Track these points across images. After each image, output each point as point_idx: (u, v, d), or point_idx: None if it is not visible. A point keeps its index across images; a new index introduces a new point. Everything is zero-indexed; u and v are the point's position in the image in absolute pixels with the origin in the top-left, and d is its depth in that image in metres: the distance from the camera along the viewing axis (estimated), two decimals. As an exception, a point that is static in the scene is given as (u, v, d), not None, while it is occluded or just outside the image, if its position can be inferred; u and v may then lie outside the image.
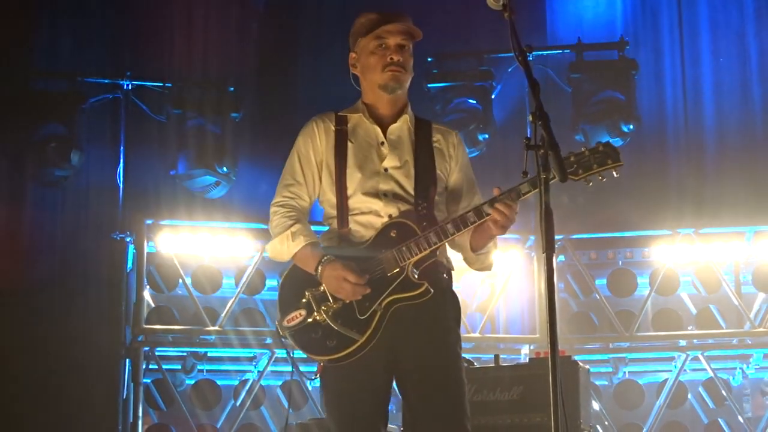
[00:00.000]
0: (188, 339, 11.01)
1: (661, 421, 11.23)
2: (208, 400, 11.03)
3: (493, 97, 12.00)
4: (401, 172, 5.39)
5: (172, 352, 11.09)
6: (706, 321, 11.45)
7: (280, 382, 11.31)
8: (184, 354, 11.10)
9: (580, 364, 8.39)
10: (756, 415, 11.40)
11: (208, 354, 11.15)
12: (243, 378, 11.27)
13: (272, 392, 11.30)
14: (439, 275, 5.36)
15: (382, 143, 5.43)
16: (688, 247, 11.22)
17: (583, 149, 5.24)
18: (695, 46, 12.75)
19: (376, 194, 5.32)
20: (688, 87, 12.68)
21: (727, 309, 11.51)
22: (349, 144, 5.41)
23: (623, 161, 5.20)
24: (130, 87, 11.69)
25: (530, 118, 4.56)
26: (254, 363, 11.20)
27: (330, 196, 5.40)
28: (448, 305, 5.39)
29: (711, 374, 11.22)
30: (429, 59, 12.05)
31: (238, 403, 11.09)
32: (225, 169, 11.68)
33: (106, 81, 11.73)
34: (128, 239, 10.88)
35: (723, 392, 11.20)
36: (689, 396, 11.44)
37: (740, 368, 11.47)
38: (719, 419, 11.37)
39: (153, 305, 11.12)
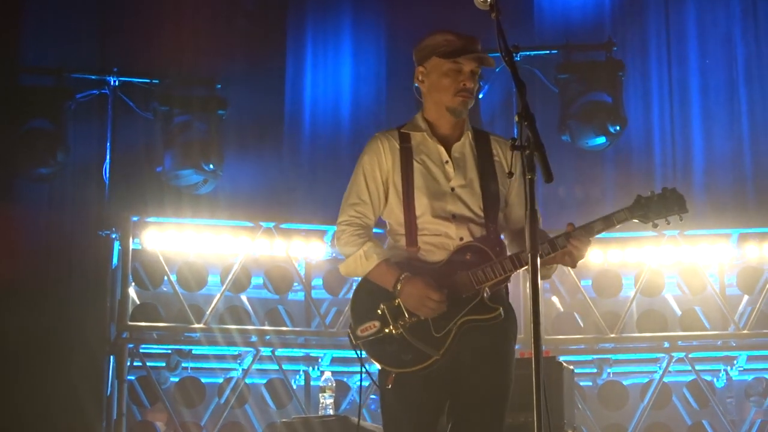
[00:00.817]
0: (173, 336, 11.00)
1: (645, 422, 11.24)
2: (193, 397, 11.02)
3: (480, 97, 12.00)
4: (467, 191, 5.44)
5: (156, 349, 11.08)
6: (690, 322, 11.47)
7: (264, 381, 11.31)
8: (169, 351, 11.09)
9: (564, 364, 8.41)
10: (740, 417, 11.43)
11: (193, 351, 11.13)
12: (228, 376, 11.26)
13: (257, 390, 11.29)
14: (505, 296, 5.47)
15: (447, 162, 5.46)
16: (673, 248, 11.24)
17: (651, 193, 5.45)
18: (682, 47, 12.78)
19: (446, 216, 5.38)
20: (675, 88, 12.70)
21: (712, 311, 11.53)
22: (415, 164, 5.44)
23: (687, 210, 5.47)
24: (117, 83, 11.67)
25: (516, 118, 4.59)
26: (239, 361, 11.19)
27: (398, 215, 5.44)
28: (511, 325, 5.47)
29: (695, 376, 11.24)
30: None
31: (222, 401, 11.08)
32: (211, 166, 11.67)
33: (93, 77, 11.70)
34: (114, 236, 10.86)
35: (707, 394, 11.22)
36: (673, 397, 11.46)
37: (724, 370, 11.50)
38: (703, 421, 11.39)
39: (138, 302, 11.10)
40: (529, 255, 4.45)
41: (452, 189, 5.42)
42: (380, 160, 5.45)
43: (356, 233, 5.41)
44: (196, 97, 11.82)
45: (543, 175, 4.52)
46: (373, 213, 5.47)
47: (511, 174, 5.25)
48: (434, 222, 5.37)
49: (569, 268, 5.44)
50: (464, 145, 5.51)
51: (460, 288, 5.28)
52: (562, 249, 5.31)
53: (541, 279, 5.54)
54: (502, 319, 5.36)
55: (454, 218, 5.37)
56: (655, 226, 5.43)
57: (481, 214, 5.40)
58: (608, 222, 5.37)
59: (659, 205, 5.40)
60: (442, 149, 5.47)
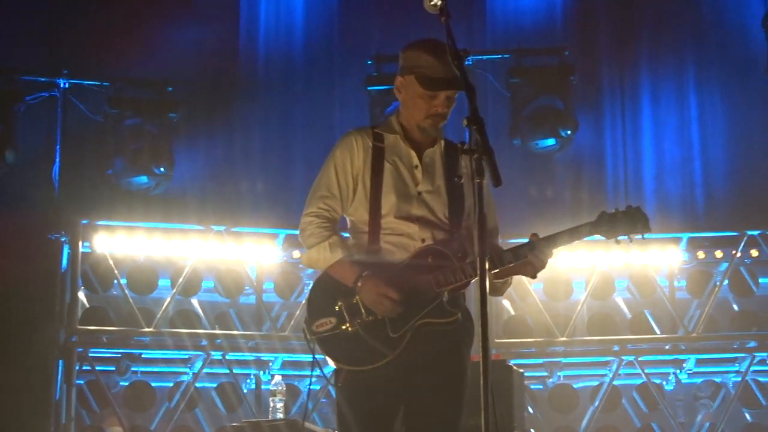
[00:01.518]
0: (123, 340, 10.93)
1: (595, 425, 11.31)
2: (142, 402, 10.96)
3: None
4: (434, 196, 5.44)
5: (106, 353, 11.00)
6: (640, 326, 11.54)
7: (215, 385, 11.26)
8: (119, 355, 11.01)
9: (515, 367, 8.44)
10: (689, 420, 11.51)
11: (143, 355, 11.07)
12: (178, 380, 11.20)
13: (207, 394, 11.25)
14: (462, 300, 5.46)
15: (417, 166, 5.47)
16: (623, 252, 11.30)
17: (616, 210, 5.44)
18: (631, 50, 12.87)
19: (410, 218, 5.38)
20: (626, 93, 12.79)
21: (662, 314, 11.60)
22: (386, 164, 5.44)
23: (651, 228, 5.47)
24: (67, 86, 11.58)
25: (465, 122, 4.59)
26: (189, 365, 11.14)
27: (362, 213, 5.44)
28: (467, 330, 5.46)
29: (645, 379, 11.31)
30: (368, 62, 12.07)
31: (172, 406, 11.03)
32: (162, 169, 11.63)
33: (43, 79, 11.61)
34: (63, 239, 10.78)
35: (656, 397, 11.29)
36: (623, 400, 11.52)
37: (674, 373, 11.57)
38: (652, 423, 11.47)
39: (88, 306, 11.03)
40: (477, 257, 4.46)
41: (419, 193, 5.43)
42: (353, 156, 5.45)
43: (323, 225, 5.40)
44: (147, 100, 11.77)
45: (491, 179, 4.53)
46: (340, 207, 5.46)
47: (460, 177, 5.28)
48: (398, 222, 5.37)
49: (530, 277, 5.47)
50: (435, 152, 5.52)
51: (420, 290, 5.27)
52: (524, 259, 5.33)
53: (496, 294, 5.58)
54: (459, 324, 5.36)
55: (418, 221, 5.38)
56: (618, 242, 5.46)
57: (446, 220, 5.41)
58: (573, 235, 5.41)
59: (624, 223, 5.42)
60: (413, 153, 5.48)
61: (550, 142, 11.81)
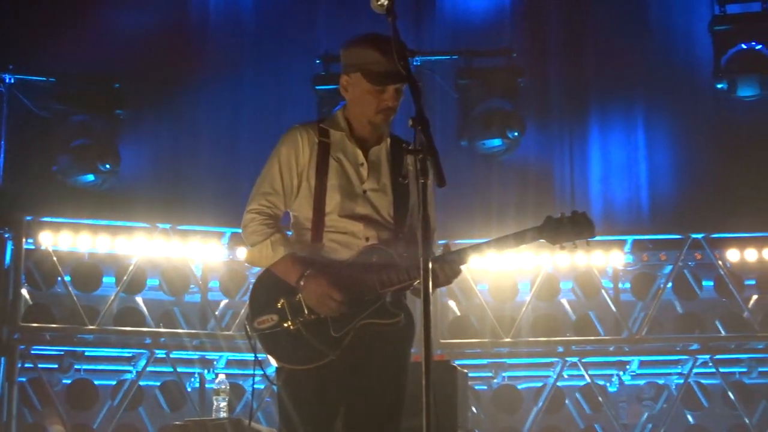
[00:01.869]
0: (66, 338, 10.85)
1: (539, 426, 11.36)
2: (85, 400, 10.89)
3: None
4: (379, 195, 5.40)
5: (49, 350, 10.91)
6: (584, 327, 11.61)
7: (159, 383, 11.20)
8: (62, 353, 10.93)
9: (459, 368, 8.45)
10: (631, 422, 11.59)
11: (86, 353, 11.00)
12: (121, 378, 11.13)
13: (150, 393, 11.19)
14: (405, 301, 5.43)
15: (362, 164, 5.42)
16: (568, 254, 11.35)
17: (561, 215, 5.37)
18: (579, 53, 12.93)
19: (354, 216, 5.33)
20: (574, 95, 12.85)
21: (606, 316, 11.67)
22: (331, 161, 5.38)
23: (596, 234, 5.40)
24: (12, 81, 11.48)
25: (411, 122, 4.58)
26: (133, 363, 11.07)
27: (306, 210, 5.38)
28: (409, 332, 5.43)
29: (588, 380, 11.37)
30: (317, 60, 12.06)
31: (115, 404, 10.95)
32: (108, 166, 11.57)
33: (-12, 74, 11.52)
34: (6, 235, 10.68)
35: (599, 398, 11.35)
36: (567, 401, 11.58)
37: (617, 375, 11.65)
38: (595, 425, 11.54)
39: (31, 303, 10.93)
40: (421, 258, 4.46)
41: (364, 191, 5.39)
42: (297, 153, 5.39)
43: (265, 222, 5.35)
44: (93, 96, 11.68)
45: (435, 180, 4.52)
46: (284, 204, 5.41)
47: (404, 177, 5.27)
48: (342, 221, 5.33)
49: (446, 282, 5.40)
50: (381, 150, 5.48)
51: (363, 290, 5.24)
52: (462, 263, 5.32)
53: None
54: (401, 325, 5.35)
55: (362, 219, 5.34)
56: (563, 248, 5.44)
57: (390, 219, 5.38)
58: (518, 240, 5.34)
59: (569, 229, 5.33)
60: (359, 151, 5.43)
61: (497, 142, 11.86)
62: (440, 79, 12.18)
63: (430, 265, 4.53)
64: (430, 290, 4.47)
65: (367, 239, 5.31)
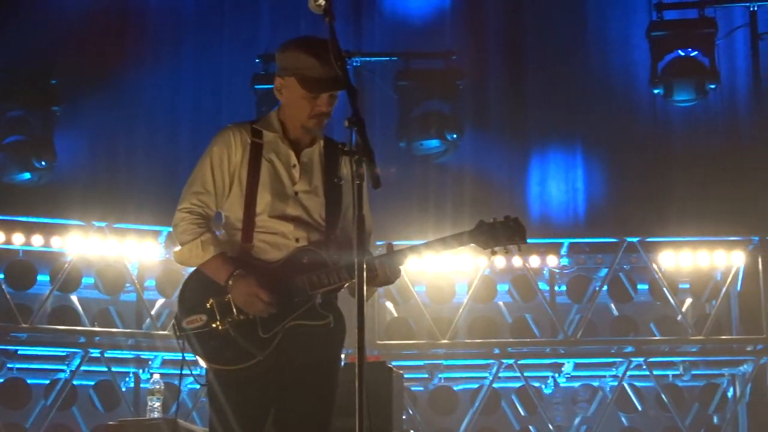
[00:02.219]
0: (-1, 336, 10.76)
1: (474, 427, 11.40)
2: (18, 399, 10.79)
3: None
4: (311, 197, 5.37)
5: (-20, 350, 10.82)
6: (520, 330, 11.67)
7: (93, 382, 11.12)
8: (-6, 352, 10.84)
9: (394, 369, 8.45)
10: (565, 424, 11.66)
11: (19, 352, 10.90)
12: (55, 377, 11.04)
13: (85, 392, 11.11)
14: (335, 302, 5.40)
15: (294, 166, 5.39)
16: (504, 258, 11.41)
17: (493, 220, 5.37)
18: (519, 55, 13.00)
19: (285, 217, 5.30)
20: (512, 97, 12.91)
21: (542, 318, 11.74)
22: (263, 162, 5.34)
23: (527, 239, 5.42)
24: (-55, 76, 11.38)
25: (346, 123, 4.57)
26: (67, 362, 10.98)
27: (237, 210, 5.35)
28: (339, 333, 5.41)
29: (524, 382, 11.43)
30: (257, 60, 12.03)
31: (48, 403, 10.86)
32: (43, 163, 11.46)
33: None
34: (-62, 233, 10.58)
35: (534, 400, 11.42)
36: (502, 403, 11.63)
37: (552, 377, 11.72)
38: (530, 426, 11.61)
39: (-37, 301, 10.82)
40: (355, 260, 4.46)
41: (296, 193, 5.37)
42: (230, 152, 5.36)
43: (196, 222, 5.31)
44: (28, 91, 11.57)
45: (371, 181, 4.53)
46: (215, 203, 5.37)
47: (340, 179, 5.26)
48: (272, 221, 5.30)
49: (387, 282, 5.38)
50: (314, 152, 5.45)
51: (293, 291, 5.22)
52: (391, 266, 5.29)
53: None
54: (332, 327, 5.34)
55: (293, 220, 5.31)
56: (494, 253, 5.45)
57: (322, 221, 5.36)
58: (450, 244, 5.34)
59: (501, 233, 5.35)
60: (291, 153, 5.40)
61: (435, 144, 11.88)
62: (380, 80, 12.19)
63: (370, 265, 4.53)
64: (365, 291, 4.46)
65: (297, 240, 5.30)
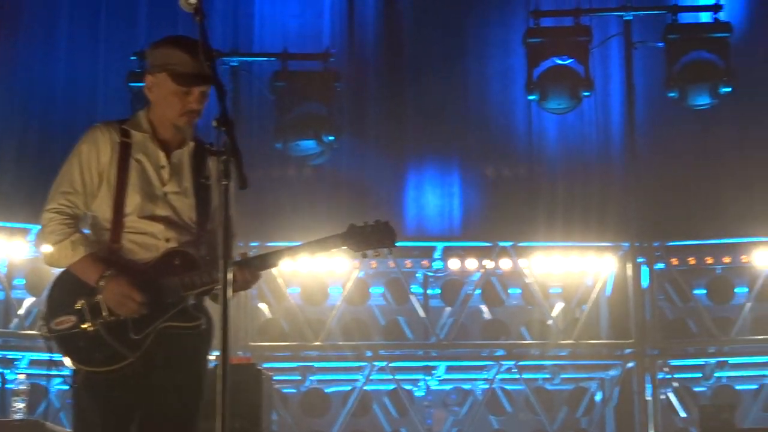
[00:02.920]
0: None
1: (346, 430, 11.42)
2: None
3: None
4: (180, 198, 5.30)
5: None
6: (393, 332, 11.72)
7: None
8: None
9: (264, 371, 8.44)
10: (437, 427, 11.73)
11: None
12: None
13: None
14: (205, 304, 5.33)
15: (164, 167, 5.31)
16: (380, 260, 11.43)
17: (364, 223, 5.37)
18: (401, 57, 13.04)
19: (154, 218, 5.23)
20: (389, 101, 12.94)
21: (415, 321, 11.80)
22: (132, 162, 5.25)
23: (395, 245, 5.39)
24: None
25: (214, 123, 4.54)
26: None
27: (105, 210, 5.25)
28: (211, 335, 5.32)
29: (396, 385, 11.48)
30: (132, 57, 11.88)
31: None
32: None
33: None
34: None
35: (406, 403, 11.48)
36: (374, 405, 11.66)
37: (424, 380, 11.78)
38: (401, 429, 11.68)
39: None
40: (221, 261, 4.43)
41: (165, 194, 5.30)
42: (98, 152, 5.27)
43: (65, 222, 5.21)
44: None
45: (237, 182, 4.51)
46: (84, 204, 5.26)
47: (207, 178, 5.23)
48: (141, 222, 5.23)
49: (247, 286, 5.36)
50: (184, 153, 5.38)
51: (165, 292, 5.16)
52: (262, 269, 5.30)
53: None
54: (203, 329, 5.30)
55: (162, 221, 5.25)
56: (365, 256, 5.46)
57: (192, 222, 5.30)
58: (321, 247, 5.36)
59: (371, 237, 5.37)
60: (161, 153, 5.33)
61: (311, 144, 11.84)
62: (257, 80, 12.13)
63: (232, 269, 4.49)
64: (230, 294, 4.44)
65: (167, 240, 5.25)
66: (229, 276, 4.45)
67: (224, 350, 4.38)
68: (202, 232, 5.31)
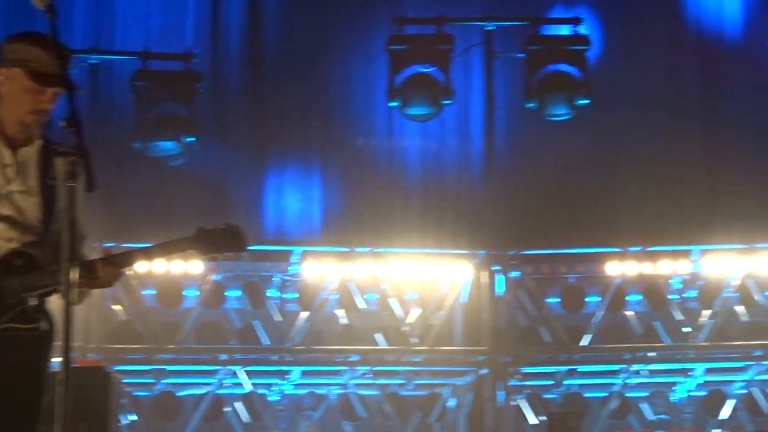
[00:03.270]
0: None
1: (198, 434, 11.37)
2: None
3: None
4: (25, 197, 5.16)
5: None
6: (249, 336, 11.69)
7: None
8: None
9: (113, 374, 8.34)
10: (291, 430, 11.72)
11: None
12: None
13: None
14: (46, 307, 5.20)
15: (8, 165, 5.16)
16: (234, 262, 11.42)
17: (213, 226, 5.29)
18: (262, 59, 13.01)
19: None
20: (251, 102, 12.90)
21: (271, 325, 11.78)
22: None
23: (245, 249, 5.37)
24: None
25: (64, 123, 4.47)
26: None
27: None
28: (51, 338, 5.19)
29: (250, 389, 11.45)
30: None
31: None
32: None
33: None
34: None
35: (259, 407, 11.45)
36: (226, 409, 11.60)
37: (278, 384, 11.76)
38: (253, 432, 11.65)
39: None
40: (64, 263, 4.36)
41: (9, 192, 5.19)
42: None
43: None
44: None
45: (86, 184, 4.45)
46: None
47: (54, 179, 5.13)
48: None
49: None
50: (31, 151, 5.27)
51: (6, 293, 5.06)
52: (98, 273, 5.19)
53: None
54: (42, 331, 5.20)
55: (5, 220, 5.13)
56: (214, 259, 5.42)
57: (37, 222, 5.19)
58: (168, 250, 5.28)
59: (220, 240, 5.30)
60: (7, 151, 5.20)
61: (170, 145, 11.74)
62: (116, 79, 11.98)
63: (90, 268, 4.43)
64: (77, 294, 4.38)
65: (8, 240, 5.14)
66: (73, 277, 4.40)
67: (66, 352, 4.32)
68: (46, 232, 5.21)
